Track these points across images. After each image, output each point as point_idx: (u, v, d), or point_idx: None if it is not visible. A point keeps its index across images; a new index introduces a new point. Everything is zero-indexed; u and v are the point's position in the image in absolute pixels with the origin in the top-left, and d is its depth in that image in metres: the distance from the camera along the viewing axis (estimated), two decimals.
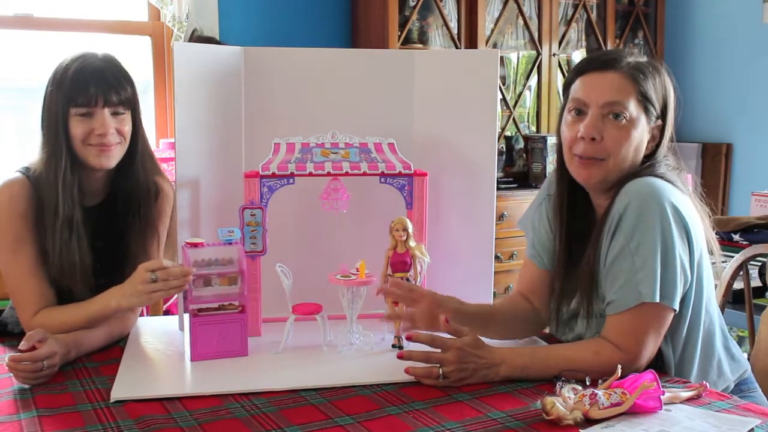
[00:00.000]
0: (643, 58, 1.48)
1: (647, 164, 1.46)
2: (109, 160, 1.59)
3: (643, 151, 1.46)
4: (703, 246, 1.45)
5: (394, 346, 1.55)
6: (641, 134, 1.44)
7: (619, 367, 1.25)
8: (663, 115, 1.47)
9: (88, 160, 1.58)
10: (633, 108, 1.42)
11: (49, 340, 1.40)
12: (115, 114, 1.57)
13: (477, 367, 1.36)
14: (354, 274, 1.57)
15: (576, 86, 1.47)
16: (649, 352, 1.38)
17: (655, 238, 1.35)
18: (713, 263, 1.51)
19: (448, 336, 1.40)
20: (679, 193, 1.42)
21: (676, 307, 1.38)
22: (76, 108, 1.55)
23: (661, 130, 1.47)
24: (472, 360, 1.36)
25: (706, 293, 1.47)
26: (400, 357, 1.39)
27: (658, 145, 1.48)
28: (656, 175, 1.42)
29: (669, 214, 1.36)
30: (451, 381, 1.35)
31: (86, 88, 1.55)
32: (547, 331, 1.65)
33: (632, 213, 1.36)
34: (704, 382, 1.32)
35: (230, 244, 1.52)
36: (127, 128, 1.60)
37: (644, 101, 1.43)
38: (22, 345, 1.37)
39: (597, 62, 1.47)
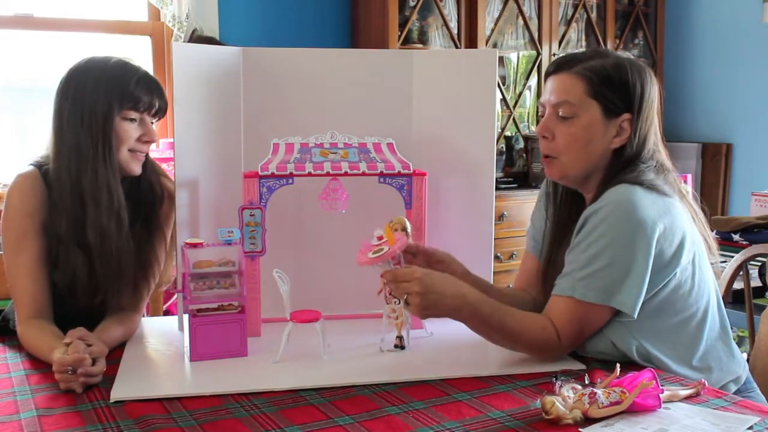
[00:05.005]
0: (607, 57, 1.49)
1: (631, 167, 1.45)
2: (139, 167, 1.62)
3: (607, 146, 1.47)
4: (698, 249, 1.46)
5: (396, 346, 1.55)
6: (595, 130, 1.46)
7: (618, 366, 1.25)
8: (632, 109, 1.46)
9: (125, 165, 1.58)
10: (583, 106, 1.45)
11: (77, 347, 1.34)
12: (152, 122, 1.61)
13: (439, 304, 1.38)
14: (381, 244, 1.50)
15: (543, 90, 1.53)
16: (571, 343, 1.43)
17: (610, 245, 1.37)
18: (712, 263, 1.51)
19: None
20: (662, 200, 1.41)
21: (621, 308, 1.39)
22: (127, 111, 1.55)
23: (633, 123, 1.47)
24: (434, 291, 1.38)
25: (706, 292, 1.48)
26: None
27: (633, 139, 1.47)
28: (638, 182, 1.41)
29: (635, 228, 1.36)
30: (413, 309, 1.39)
31: (140, 94, 1.56)
32: None
33: (597, 217, 1.40)
34: (702, 380, 1.32)
35: (230, 244, 1.52)
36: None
37: (598, 97, 1.45)
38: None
39: (553, 65, 1.53)
